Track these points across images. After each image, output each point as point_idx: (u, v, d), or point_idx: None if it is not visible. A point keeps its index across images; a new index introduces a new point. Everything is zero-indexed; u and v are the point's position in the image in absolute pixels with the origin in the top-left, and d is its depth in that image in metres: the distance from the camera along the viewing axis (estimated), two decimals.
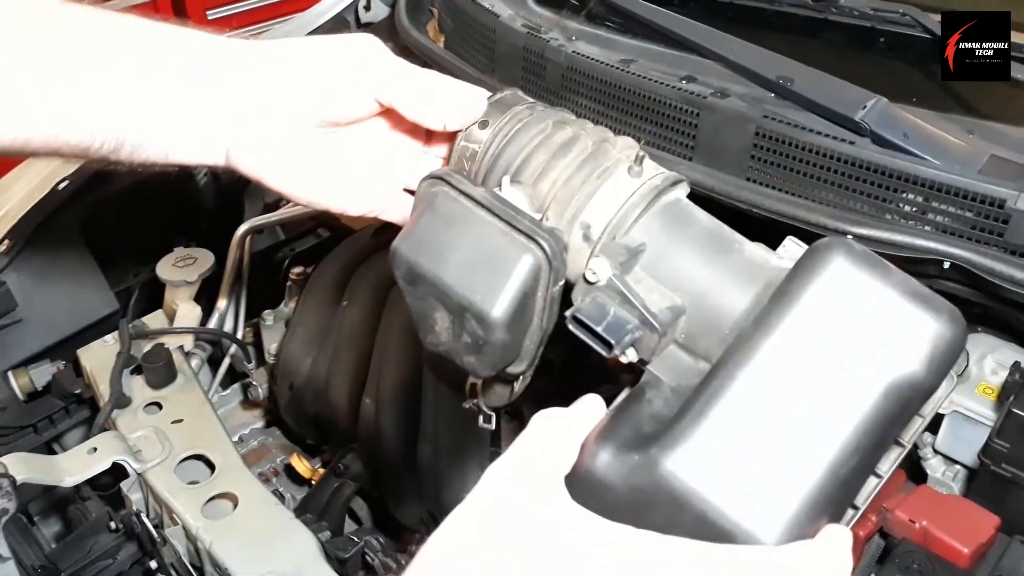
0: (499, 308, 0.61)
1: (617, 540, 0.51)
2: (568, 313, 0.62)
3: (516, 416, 1.15)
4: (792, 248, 0.65)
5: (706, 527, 0.51)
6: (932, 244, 0.99)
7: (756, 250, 0.65)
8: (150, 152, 0.70)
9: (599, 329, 0.60)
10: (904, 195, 1.08)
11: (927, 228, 1.05)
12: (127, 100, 0.67)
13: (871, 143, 1.11)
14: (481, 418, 0.81)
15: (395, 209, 0.79)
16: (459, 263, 0.62)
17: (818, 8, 1.40)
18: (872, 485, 0.57)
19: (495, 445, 1.15)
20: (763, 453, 0.52)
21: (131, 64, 0.67)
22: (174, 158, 0.71)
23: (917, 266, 1.05)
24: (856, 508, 0.57)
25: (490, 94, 0.75)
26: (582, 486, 0.55)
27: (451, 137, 0.75)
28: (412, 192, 0.79)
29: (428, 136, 0.79)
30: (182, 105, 0.69)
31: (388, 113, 0.74)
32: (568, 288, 0.66)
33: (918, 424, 0.58)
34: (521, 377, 0.71)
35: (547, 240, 0.61)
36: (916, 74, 1.32)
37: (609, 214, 0.65)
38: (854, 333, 0.54)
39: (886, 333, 0.54)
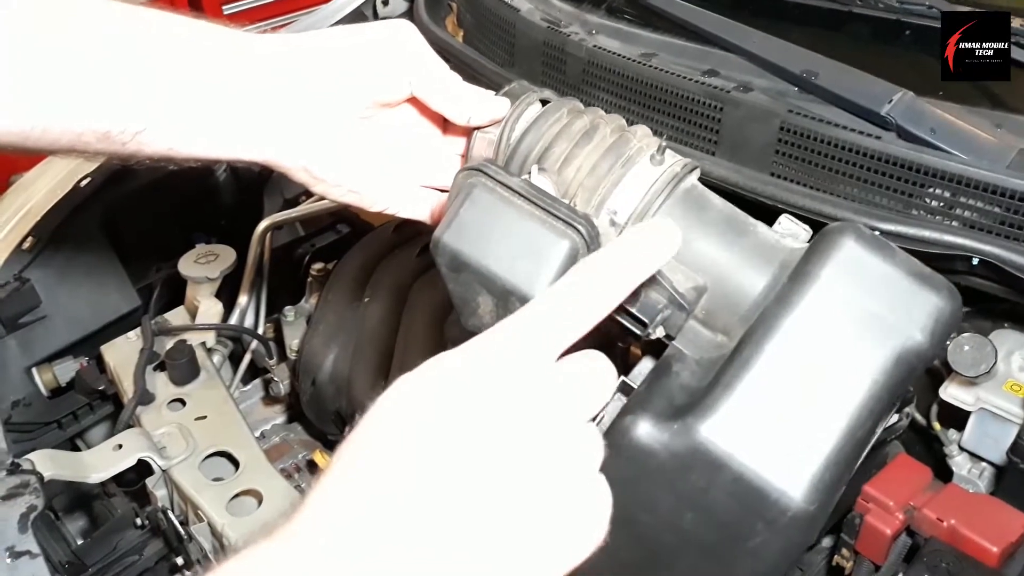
0: (541, 289, 0.64)
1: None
2: None
3: None
4: (788, 225, 0.70)
5: (742, 486, 0.57)
6: (961, 240, 0.98)
7: (768, 232, 0.70)
8: (175, 145, 0.69)
9: (634, 310, 0.65)
10: (931, 190, 1.07)
11: (955, 224, 1.04)
12: (152, 87, 0.67)
13: (897, 137, 1.10)
14: None
15: (413, 206, 0.80)
16: (501, 250, 0.66)
17: (842, 1, 1.38)
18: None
19: None
20: (789, 418, 0.59)
21: (163, 55, 0.67)
22: (201, 154, 0.71)
23: (945, 262, 1.04)
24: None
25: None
26: (624, 454, 0.59)
27: (467, 133, 0.77)
28: (433, 189, 0.80)
29: (444, 130, 0.80)
30: (211, 99, 0.69)
31: (413, 104, 0.75)
32: None
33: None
34: None
35: (584, 226, 0.64)
36: (939, 65, 1.30)
37: (635, 201, 0.69)
38: (865, 308, 0.60)
39: (893, 308, 0.60)
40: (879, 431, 0.61)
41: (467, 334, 0.69)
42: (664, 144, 0.71)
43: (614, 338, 0.74)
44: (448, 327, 1.18)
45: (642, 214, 0.68)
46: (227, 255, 1.49)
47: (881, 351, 0.59)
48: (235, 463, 1.18)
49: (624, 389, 0.65)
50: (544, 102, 0.76)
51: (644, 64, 1.30)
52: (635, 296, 0.65)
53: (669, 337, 0.66)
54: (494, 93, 0.77)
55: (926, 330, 0.60)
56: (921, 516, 0.96)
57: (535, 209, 0.65)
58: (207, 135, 0.69)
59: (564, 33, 1.41)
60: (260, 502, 1.12)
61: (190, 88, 0.67)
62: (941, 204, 1.07)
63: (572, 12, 1.52)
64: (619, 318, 0.66)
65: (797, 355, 0.60)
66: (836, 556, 1.05)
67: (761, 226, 0.70)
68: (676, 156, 0.72)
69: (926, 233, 1.00)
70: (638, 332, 0.66)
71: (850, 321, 0.60)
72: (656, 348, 0.68)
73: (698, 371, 0.64)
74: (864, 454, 0.61)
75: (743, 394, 0.59)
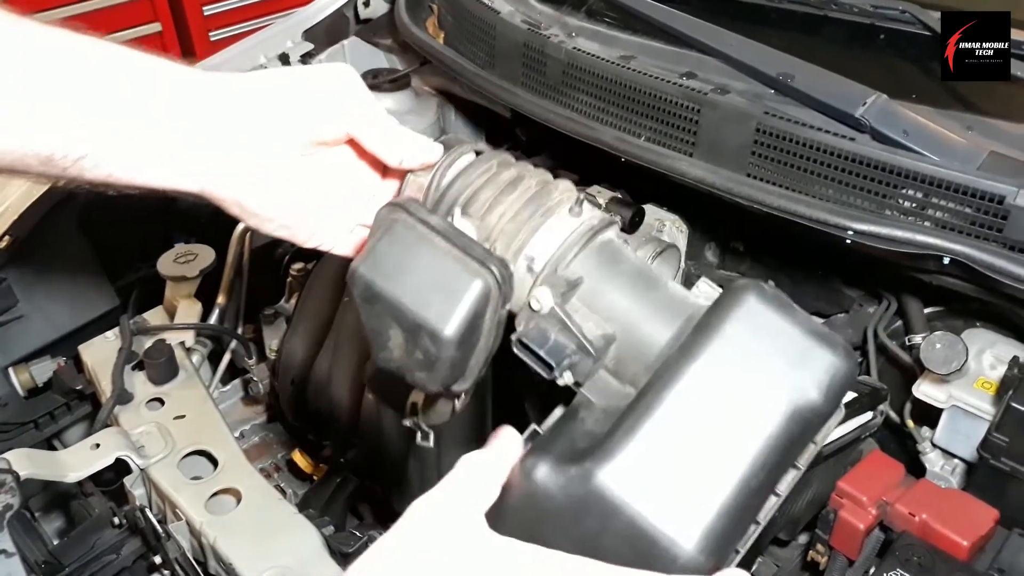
0: (452, 326, 0.66)
1: (535, 561, 0.56)
2: (514, 337, 0.68)
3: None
4: (705, 289, 0.72)
5: (634, 532, 0.57)
6: (932, 240, 1.00)
7: (678, 288, 0.72)
8: (115, 172, 0.70)
9: (542, 352, 0.66)
10: (904, 191, 1.08)
11: (927, 224, 1.06)
12: (97, 115, 0.68)
13: (871, 139, 1.12)
14: (419, 436, 0.88)
15: (346, 244, 0.82)
16: (415, 284, 0.67)
17: (818, 5, 1.40)
18: (772, 503, 0.64)
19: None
20: (685, 467, 0.59)
21: (106, 84, 0.68)
22: (141, 182, 0.71)
23: (918, 261, 1.06)
24: (758, 523, 0.62)
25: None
26: (520, 496, 0.61)
27: (403, 176, 0.79)
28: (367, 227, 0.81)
29: (383, 174, 0.82)
30: (154, 130, 0.69)
31: (351, 146, 0.77)
32: (511, 315, 0.72)
33: (811, 450, 0.65)
34: (463, 395, 0.76)
35: (497, 267, 0.66)
36: (916, 71, 1.32)
37: (552, 249, 0.71)
38: (763, 363, 0.61)
39: (791, 364, 0.61)
40: (776, 484, 0.62)
41: (378, 371, 0.71)
42: (583, 197, 0.74)
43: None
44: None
45: (557, 262, 0.70)
46: (206, 255, 1.49)
47: (777, 405, 0.60)
48: (214, 462, 1.18)
49: (533, 437, 0.66)
50: (478, 153, 0.78)
51: (623, 66, 1.32)
52: (544, 339, 0.67)
53: (578, 384, 0.68)
54: (432, 139, 0.79)
55: (821, 387, 0.61)
56: (894, 511, 0.98)
57: (452, 248, 0.67)
58: (146, 164, 0.70)
59: (544, 35, 1.42)
60: (239, 500, 1.11)
61: (131, 118, 0.68)
62: (914, 205, 1.09)
63: (552, 15, 1.53)
64: (527, 360, 0.67)
65: (695, 405, 0.60)
66: (811, 551, 1.07)
67: (671, 282, 0.72)
68: (594, 210, 0.74)
69: (898, 233, 1.02)
70: (544, 374, 0.67)
71: (748, 375, 0.61)
72: (568, 396, 0.69)
73: (603, 419, 0.64)
74: (764, 504, 0.62)
75: (640, 441, 0.59)
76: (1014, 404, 0.96)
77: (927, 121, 1.12)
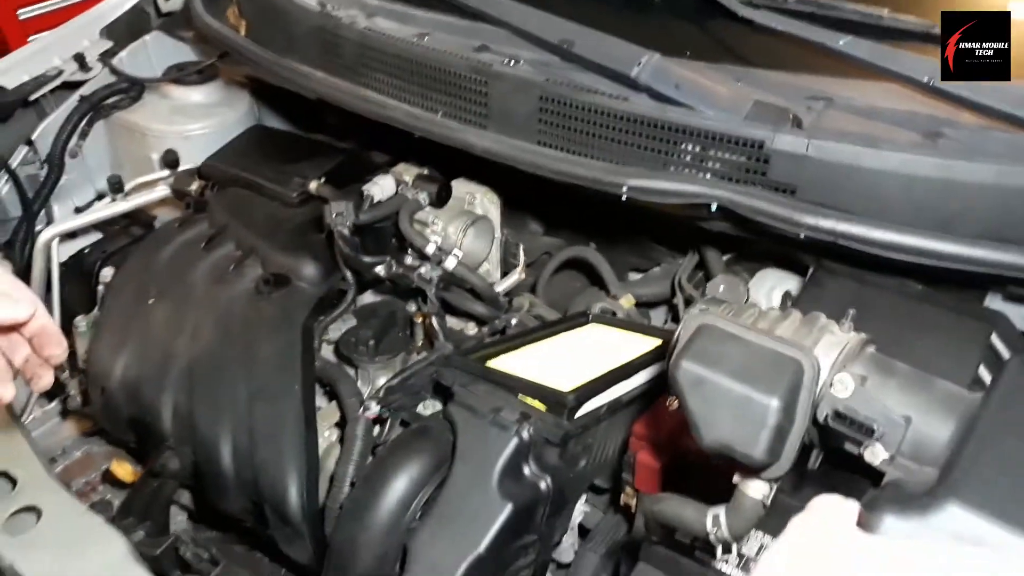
0: (777, 393, 0.73)
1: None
2: (831, 408, 0.76)
3: None
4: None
5: None
6: (697, 188, 1.05)
7: (948, 385, 0.80)
8: None
9: (860, 419, 0.75)
10: (682, 146, 1.12)
11: (708, 176, 1.10)
12: None
13: (647, 98, 1.16)
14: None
15: None
16: (740, 367, 0.75)
17: None
18: None
19: (309, 421, 1.15)
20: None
21: None
22: None
23: (691, 211, 1.10)
24: None
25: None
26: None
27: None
28: None
29: None
30: None
31: None
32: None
33: None
34: (774, 486, 0.81)
35: (812, 354, 0.75)
36: (691, 28, 1.37)
37: (835, 352, 0.79)
38: None
39: None
40: None
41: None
42: (848, 323, 0.83)
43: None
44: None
45: (843, 362, 0.79)
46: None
47: None
48: (13, 482, 1.12)
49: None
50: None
51: (415, 44, 1.32)
52: (859, 409, 0.75)
53: (886, 462, 0.75)
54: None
55: None
56: (684, 446, 1.02)
57: (767, 339, 0.76)
58: None
59: (336, 17, 1.40)
60: (39, 517, 1.07)
61: None
62: (692, 158, 1.12)
63: None
64: (844, 430, 0.75)
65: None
66: (621, 495, 1.10)
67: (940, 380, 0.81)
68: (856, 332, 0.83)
69: (668, 185, 1.06)
70: (861, 439, 0.75)
71: None
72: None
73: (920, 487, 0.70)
74: None
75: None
76: None
77: (697, 76, 1.17)
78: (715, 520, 0.83)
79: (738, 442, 0.74)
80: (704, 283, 1.31)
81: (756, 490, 0.81)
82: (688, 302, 1.33)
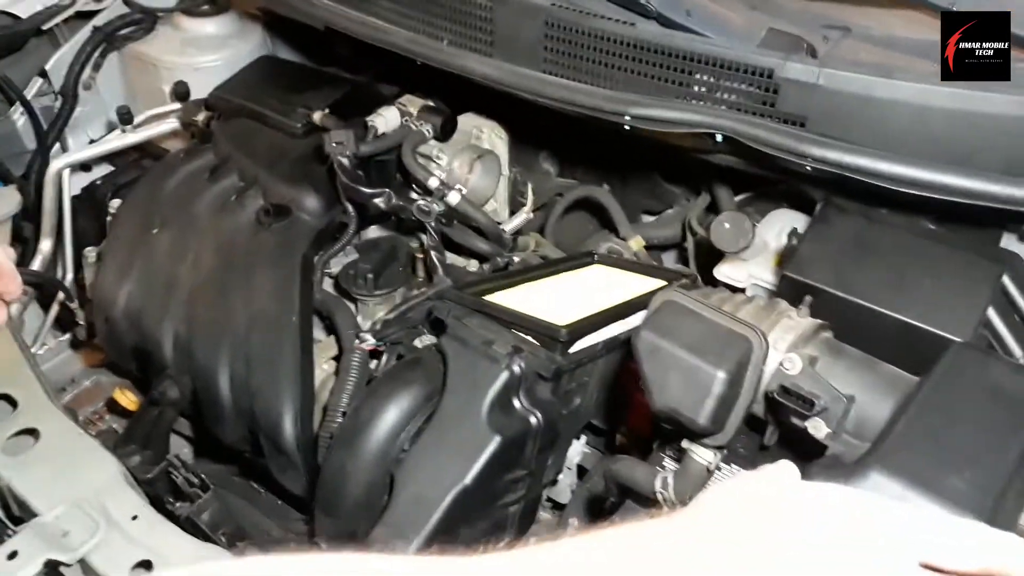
0: (724, 369, 0.78)
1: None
2: (778, 383, 0.80)
3: None
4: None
5: None
6: (701, 118, 1.00)
7: (892, 369, 0.86)
8: None
9: (804, 393, 0.79)
10: (690, 75, 1.08)
11: (719, 107, 1.06)
12: None
13: (656, 25, 1.11)
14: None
15: None
16: (693, 340, 0.80)
17: None
18: None
19: (305, 352, 1.14)
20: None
21: None
22: None
23: (697, 141, 1.06)
24: None
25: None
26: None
27: None
28: None
29: None
30: None
31: None
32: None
33: None
34: (719, 454, 0.86)
35: (762, 334, 0.80)
36: None
37: (792, 335, 0.85)
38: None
39: None
40: None
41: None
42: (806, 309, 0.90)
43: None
44: None
45: (796, 344, 0.85)
46: (10, 197, 1.42)
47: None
48: (13, 404, 1.14)
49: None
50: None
51: None
52: (802, 386, 0.79)
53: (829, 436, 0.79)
54: None
55: None
56: None
57: (722, 317, 0.81)
58: None
59: None
60: (37, 439, 1.08)
61: None
62: (705, 89, 1.08)
63: None
64: (788, 403, 0.80)
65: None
66: (617, 436, 1.09)
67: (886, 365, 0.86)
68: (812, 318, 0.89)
69: (671, 114, 1.02)
70: (804, 412, 0.79)
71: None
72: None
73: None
74: None
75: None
76: (786, 273, 0.98)
77: (711, 2, 1.12)
78: (664, 482, 0.87)
79: (685, 407, 0.80)
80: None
81: (702, 456, 0.85)
82: (698, 244, 1.29)
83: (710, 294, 0.90)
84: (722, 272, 1.15)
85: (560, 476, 1.15)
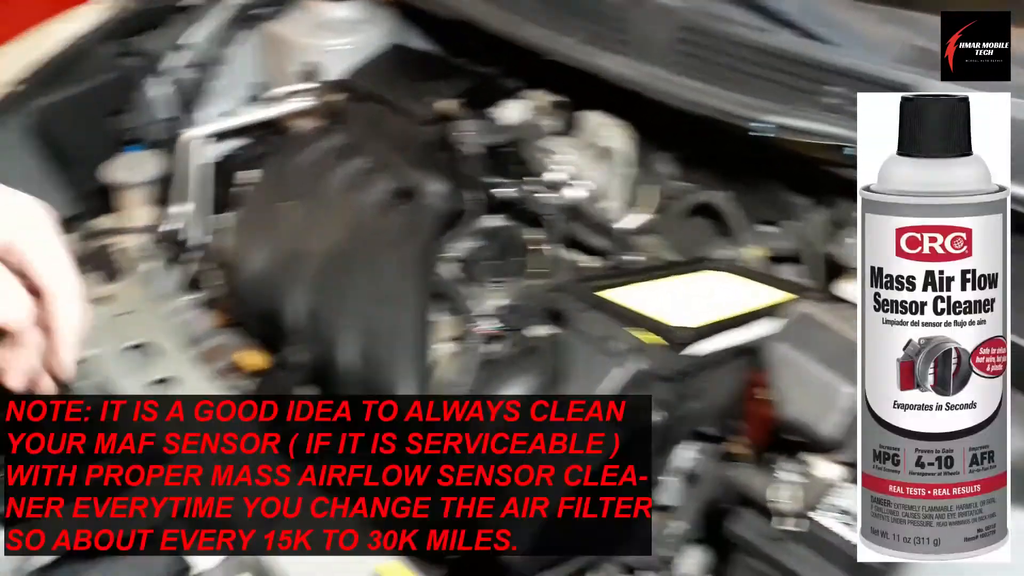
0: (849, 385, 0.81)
1: None
2: None
3: None
4: None
5: None
6: (832, 129, 1.01)
7: None
8: None
9: None
10: (822, 85, 1.08)
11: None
12: None
13: (791, 33, 1.12)
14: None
15: None
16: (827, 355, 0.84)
17: None
18: None
19: (424, 331, 1.19)
20: None
21: None
22: None
23: (824, 151, 1.07)
24: None
25: None
26: None
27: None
28: None
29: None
30: None
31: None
32: None
33: None
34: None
35: None
36: None
37: None
38: None
39: None
40: None
41: None
42: None
43: None
44: None
45: None
46: (148, 163, 1.51)
47: None
48: (155, 353, 1.23)
49: None
50: None
51: None
52: None
53: None
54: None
55: None
56: None
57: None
58: None
59: None
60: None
61: None
62: (838, 100, 1.08)
63: None
64: None
65: None
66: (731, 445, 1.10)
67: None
68: None
69: (799, 123, 1.03)
70: None
71: None
72: None
73: None
74: None
75: None
76: None
77: (847, 14, 1.12)
78: (783, 493, 0.88)
79: (810, 420, 0.82)
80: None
81: (824, 470, 0.87)
82: (818, 258, 1.29)
83: (843, 309, 0.91)
84: (843, 289, 1.15)
85: (668, 479, 1.17)
